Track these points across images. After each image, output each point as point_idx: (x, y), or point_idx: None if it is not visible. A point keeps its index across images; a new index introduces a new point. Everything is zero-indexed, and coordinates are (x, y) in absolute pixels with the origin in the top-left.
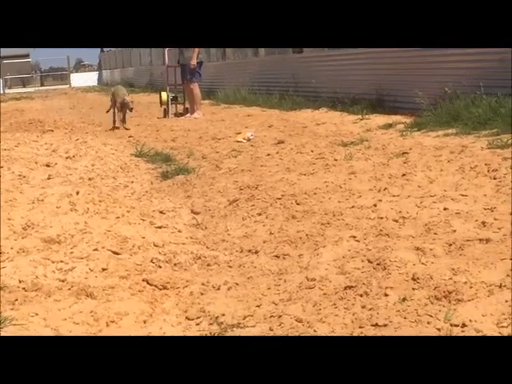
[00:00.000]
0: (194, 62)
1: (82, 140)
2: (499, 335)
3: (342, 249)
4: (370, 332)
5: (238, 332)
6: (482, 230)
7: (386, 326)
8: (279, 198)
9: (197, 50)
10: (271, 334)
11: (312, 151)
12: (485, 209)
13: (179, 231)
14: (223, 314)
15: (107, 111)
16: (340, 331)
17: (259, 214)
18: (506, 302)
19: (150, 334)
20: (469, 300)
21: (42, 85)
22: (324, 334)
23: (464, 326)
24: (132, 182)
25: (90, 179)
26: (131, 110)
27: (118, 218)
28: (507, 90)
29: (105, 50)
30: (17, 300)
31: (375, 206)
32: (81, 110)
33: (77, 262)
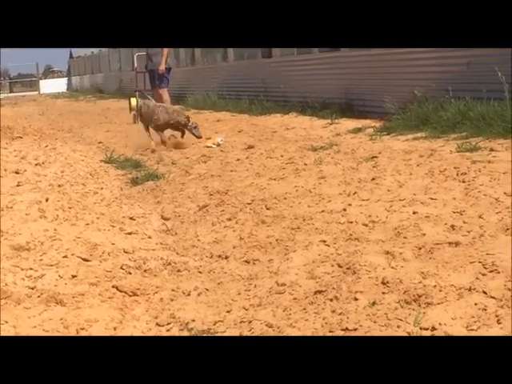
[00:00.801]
0: (162, 67)
1: (52, 147)
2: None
3: (312, 253)
4: None
5: None
6: (451, 234)
7: (355, 330)
8: (249, 203)
9: (165, 55)
10: None
11: (282, 156)
12: (454, 212)
13: (149, 237)
14: (193, 320)
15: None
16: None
17: (229, 220)
18: (476, 305)
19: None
20: (438, 303)
21: (10, 91)
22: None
23: (434, 329)
24: (101, 189)
25: (59, 186)
26: (199, 136)
27: (88, 224)
28: (475, 93)
29: (74, 55)
30: None
31: (345, 210)
32: (50, 117)
33: (46, 270)
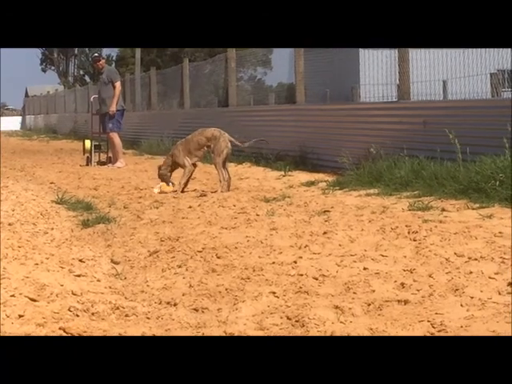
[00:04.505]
0: (113, 108)
1: (3, 185)
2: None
3: (262, 304)
4: None
5: None
6: (400, 291)
7: None
8: (200, 251)
9: (116, 97)
10: None
11: (234, 205)
12: (404, 270)
13: (98, 280)
14: None
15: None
16: None
17: (179, 266)
18: None
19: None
20: None
21: None
22: None
23: None
24: (52, 229)
25: (9, 224)
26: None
27: (37, 264)
28: (429, 152)
29: (29, 95)
30: None
31: (295, 262)
32: (3, 155)
33: None
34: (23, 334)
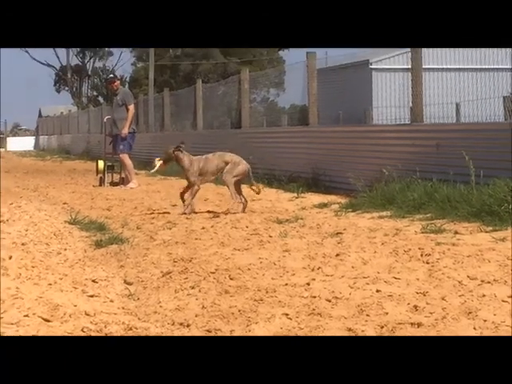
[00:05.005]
0: (125, 130)
1: (17, 204)
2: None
3: (274, 326)
4: None
5: None
6: (413, 314)
7: None
8: (213, 272)
9: (129, 119)
10: None
11: (247, 227)
12: (417, 293)
13: (111, 301)
14: None
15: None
16: None
17: (192, 288)
18: None
19: None
20: None
21: None
22: None
23: None
24: (65, 249)
25: (23, 244)
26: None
27: (50, 284)
28: (442, 175)
29: (43, 115)
30: None
31: (308, 284)
32: (16, 175)
33: (7, 328)
34: None
